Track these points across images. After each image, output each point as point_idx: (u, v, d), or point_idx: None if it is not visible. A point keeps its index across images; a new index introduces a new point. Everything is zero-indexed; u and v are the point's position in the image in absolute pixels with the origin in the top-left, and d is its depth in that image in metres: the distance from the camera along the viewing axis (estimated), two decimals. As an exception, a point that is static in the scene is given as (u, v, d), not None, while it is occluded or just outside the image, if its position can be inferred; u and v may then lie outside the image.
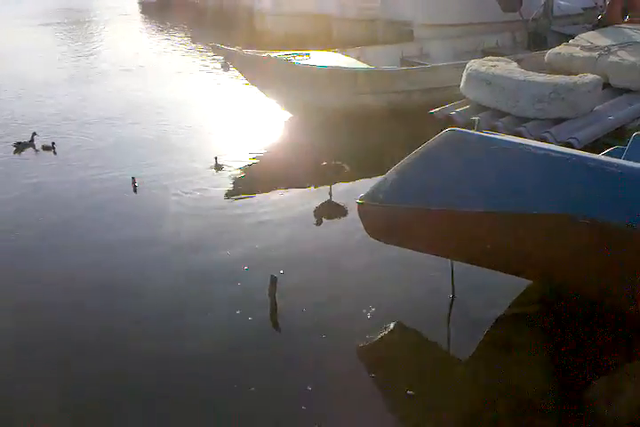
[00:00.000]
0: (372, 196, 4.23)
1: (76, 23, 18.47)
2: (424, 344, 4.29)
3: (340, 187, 6.66)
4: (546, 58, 8.75)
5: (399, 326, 4.37)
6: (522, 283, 4.62)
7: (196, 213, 6.14)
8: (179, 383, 3.84)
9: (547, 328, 4.21)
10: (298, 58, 9.25)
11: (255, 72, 9.02)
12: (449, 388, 3.77)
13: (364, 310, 4.48)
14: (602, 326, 4.14)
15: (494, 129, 6.66)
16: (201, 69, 12.83)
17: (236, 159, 7.62)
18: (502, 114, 7.19)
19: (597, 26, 11.50)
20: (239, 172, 7.30)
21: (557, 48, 8.82)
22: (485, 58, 7.92)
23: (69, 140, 8.37)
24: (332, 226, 5.92)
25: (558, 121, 6.92)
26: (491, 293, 4.62)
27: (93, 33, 17.07)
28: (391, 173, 4.11)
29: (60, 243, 5.61)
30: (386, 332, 4.28)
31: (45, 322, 4.44)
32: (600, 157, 3.54)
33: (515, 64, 7.69)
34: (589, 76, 7.10)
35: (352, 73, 8.93)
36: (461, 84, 7.79)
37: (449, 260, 4.43)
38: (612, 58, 8.09)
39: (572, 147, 6.12)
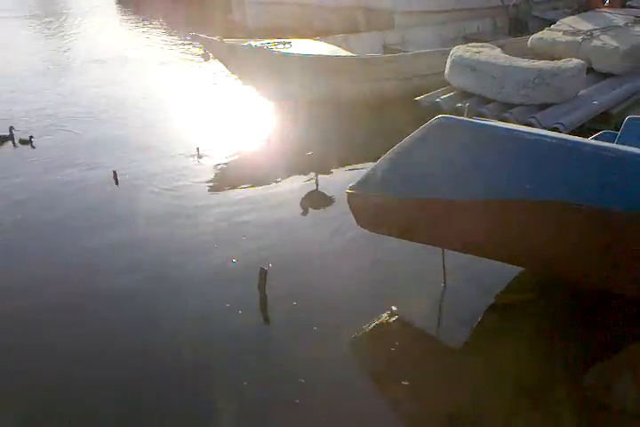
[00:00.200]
0: (361, 185, 4.17)
1: (50, 15, 18.09)
2: (417, 334, 4.25)
3: (326, 176, 6.58)
4: (529, 43, 8.73)
5: (391, 316, 4.32)
6: (514, 270, 4.59)
7: (179, 206, 6.01)
8: (165, 380, 3.76)
9: (541, 316, 4.19)
10: (279, 46, 9.10)
11: (236, 61, 8.86)
12: (444, 378, 3.74)
13: (355, 301, 4.43)
14: (598, 312, 4.12)
15: (480, 116, 6.63)
16: (180, 59, 12.62)
17: (219, 150, 7.49)
18: (487, 100, 7.16)
19: (578, 10, 11.52)
20: (223, 163, 7.17)
21: (540, 33, 8.80)
22: (469, 44, 7.88)
23: (48, 133, 8.17)
24: (319, 216, 5.84)
25: (543, 106, 6.91)
26: (483, 281, 4.58)
27: (69, 25, 16.70)
28: (381, 161, 4.04)
29: (47, 239, 5.50)
30: (378, 322, 4.23)
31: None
32: (595, 141, 3.51)
33: (499, 50, 7.65)
34: (573, 61, 7.09)
35: (337, 61, 8.82)
36: (446, 71, 7.74)
37: (440, 248, 4.39)
38: (595, 42, 8.09)
39: (559, 132, 6.10)
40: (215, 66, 10.81)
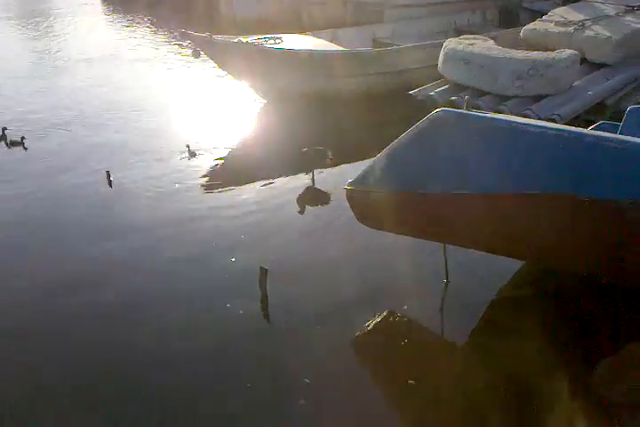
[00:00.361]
0: (360, 181, 4.11)
1: (36, 16, 17.87)
2: (420, 331, 4.22)
3: (322, 173, 6.51)
4: (521, 34, 8.67)
5: (394, 313, 4.28)
6: (515, 265, 4.56)
7: (173, 207, 5.93)
8: (166, 380, 3.70)
9: (543, 310, 4.14)
10: (270, 42, 9.02)
11: (227, 58, 8.77)
12: (449, 375, 3.69)
13: (357, 299, 4.38)
14: (601, 307, 4.09)
15: (475, 108, 6.58)
16: (170, 57, 12.48)
17: (212, 148, 7.39)
18: (482, 93, 7.11)
19: (568, 1, 11.48)
20: (216, 161, 7.10)
21: (532, 24, 8.74)
22: (462, 36, 7.83)
23: (40, 134, 8.04)
24: (317, 213, 5.79)
25: (538, 98, 6.87)
26: (485, 276, 4.55)
27: (58, 25, 16.48)
28: (380, 156, 3.99)
29: (45, 237, 5.43)
30: (380, 319, 4.19)
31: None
32: (598, 132, 3.46)
33: (492, 42, 7.61)
34: (567, 52, 7.05)
35: (327, 56, 8.75)
36: (439, 64, 7.68)
37: (442, 244, 4.34)
38: (588, 32, 8.04)
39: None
40: (205, 63, 10.71)
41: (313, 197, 6.07)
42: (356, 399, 3.54)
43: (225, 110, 8.92)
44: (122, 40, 14.41)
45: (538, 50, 7.43)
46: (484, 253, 4.28)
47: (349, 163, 6.84)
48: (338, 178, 6.26)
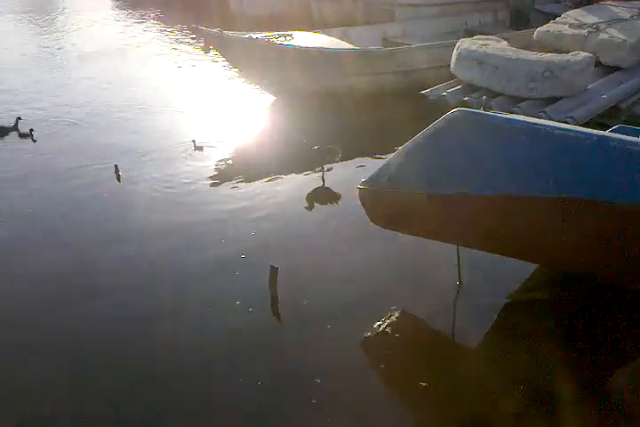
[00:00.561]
0: (374, 180, 4.06)
1: (46, 11, 17.83)
2: (432, 333, 4.16)
3: (332, 171, 6.45)
4: (534, 36, 8.62)
5: (405, 314, 4.24)
6: (529, 268, 4.51)
7: (183, 202, 5.89)
8: (178, 379, 3.66)
9: (557, 315, 4.10)
10: (280, 39, 8.97)
11: (237, 54, 8.72)
12: (462, 379, 3.64)
13: (368, 299, 4.34)
14: (617, 311, 4.04)
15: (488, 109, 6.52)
16: (180, 53, 12.45)
17: (220, 144, 7.36)
18: (494, 94, 7.05)
19: (581, 3, 11.43)
20: (224, 157, 7.05)
21: (545, 26, 8.69)
22: (475, 37, 7.78)
23: (49, 126, 8.02)
24: (328, 212, 5.72)
25: (551, 100, 6.81)
26: (498, 279, 4.50)
27: (69, 20, 16.46)
28: (395, 156, 3.94)
29: (53, 233, 5.39)
30: (392, 320, 4.14)
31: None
32: (622, 136, 3.40)
33: (505, 43, 7.55)
34: (582, 54, 6.99)
35: (338, 54, 8.70)
36: (452, 64, 7.63)
37: (455, 245, 4.29)
38: (602, 35, 7.99)
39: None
40: (215, 58, 10.67)
41: (323, 195, 6.01)
42: (367, 400, 3.50)
43: (234, 107, 8.87)
44: (131, 35, 14.37)
45: (551, 52, 7.38)
46: (497, 255, 4.24)
47: (360, 162, 6.79)
48: (348, 177, 6.22)
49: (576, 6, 11.03)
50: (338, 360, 3.81)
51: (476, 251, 4.25)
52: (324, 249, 4.97)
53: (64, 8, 18.24)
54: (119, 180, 6.35)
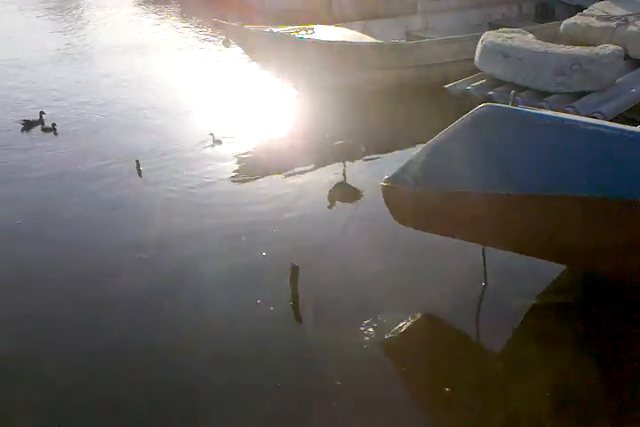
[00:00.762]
0: (398, 178, 3.96)
1: (65, 9, 17.90)
2: (455, 335, 4.06)
3: (354, 167, 6.34)
4: (561, 28, 8.40)
5: (428, 315, 4.15)
6: (557, 269, 4.37)
7: (203, 198, 5.84)
8: (198, 377, 3.61)
9: (586, 318, 3.97)
10: (301, 33, 8.86)
11: (258, 48, 8.62)
12: (487, 384, 3.54)
13: (391, 299, 4.24)
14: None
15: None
16: (201, 46, 12.40)
17: (241, 138, 7.30)
18: (520, 88, 6.87)
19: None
20: (245, 152, 6.98)
21: (572, 18, 8.46)
22: (500, 29, 7.59)
23: (71, 121, 8.02)
24: (349, 209, 5.62)
25: (579, 95, 6.63)
26: (525, 279, 4.37)
27: (92, 16, 16.53)
28: (420, 153, 3.83)
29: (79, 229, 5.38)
30: (415, 321, 4.05)
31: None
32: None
33: (531, 36, 7.36)
34: (611, 47, 6.79)
35: (361, 47, 8.57)
36: (476, 58, 7.46)
37: (480, 245, 4.17)
38: (631, 28, 7.75)
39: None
40: (236, 52, 10.58)
41: (345, 192, 5.92)
42: (388, 405, 3.41)
43: (255, 101, 8.78)
44: (152, 31, 14.34)
45: (577, 45, 7.18)
46: (523, 255, 4.11)
47: (382, 157, 6.68)
48: (370, 173, 6.13)
49: (604, -2, 10.77)
50: (359, 362, 3.73)
51: (502, 251, 4.12)
52: (345, 248, 4.88)
53: (87, 5, 18.27)
54: (140, 175, 6.31)
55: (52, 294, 4.42)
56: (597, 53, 6.59)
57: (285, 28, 8.88)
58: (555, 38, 8.32)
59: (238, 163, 6.67)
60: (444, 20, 11.46)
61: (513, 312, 4.10)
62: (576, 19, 8.41)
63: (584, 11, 8.84)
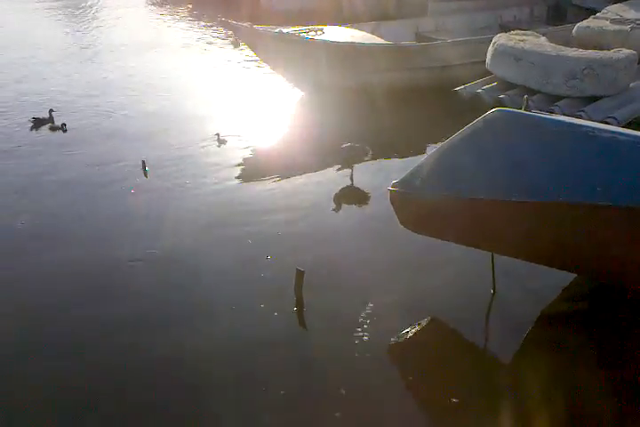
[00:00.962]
0: (407, 183, 3.88)
1: (76, 7, 17.94)
2: (463, 343, 3.97)
3: (361, 171, 6.25)
4: (574, 32, 8.30)
5: (436, 323, 4.06)
6: (567, 278, 4.27)
7: (208, 201, 5.77)
8: (196, 385, 3.53)
9: (598, 327, 3.88)
10: (311, 33, 8.80)
11: (267, 48, 8.57)
12: (495, 395, 3.45)
13: (397, 305, 4.15)
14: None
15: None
16: (209, 46, 12.37)
17: (247, 140, 7.24)
18: (532, 91, 6.77)
19: (621, -1, 11.03)
20: (250, 153, 6.91)
21: (586, 21, 8.36)
22: (512, 32, 7.50)
23: (79, 119, 8.00)
24: (356, 214, 5.55)
25: (592, 99, 6.53)
26: (535, 288, 4.27)
27: (99, 17, 16.60)
28: (429, 158, 3.76)
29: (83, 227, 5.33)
30: (421, 329, 3.96)
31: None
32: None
33: (544, 38, 7.27)
34: (625, 51, 6.69)
35: (370, 49, 8.49)
36: (487, 60, 7.38)
37: (490, 253, 4.08)
38: (645, 31, 7.65)
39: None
40: (244, 52, 10.55)
41: (351, 195, 5.83)
42: (394, 416, 3.33)
43: (262, 101, 8.73)
44: (162, 31, 14.36)
45: (590, 48, 7.08)
46: (532, 263, 4.02)
47: (389, 161, 6.60)
48: (377, 176, 6.06)
49: (617, 1, 10.65)
50: (364, 370, 3.65)
51: (511, 258, 4.03)
52: (351, 252, 4.80)
53: (101, 6, 18.32)
54: (146, 175, 6.27)
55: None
56: (611, 57, 6.49)
57: (294, 29, 8.82)
58: (567, 41, 8.22)
59: (243, 164, 6.60)
60: (454, 21, 11.38)
61: (522, 321, 4.01)
62: (589, 22, 8.32)
63: (597, 14, 8.75)
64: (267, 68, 9.26)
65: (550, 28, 10.40)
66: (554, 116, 3.60)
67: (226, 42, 12.47)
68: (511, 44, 6.99)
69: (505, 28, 10.40)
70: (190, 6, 17.44)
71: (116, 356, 3.77)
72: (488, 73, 7.52)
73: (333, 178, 6.18)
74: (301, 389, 3.53)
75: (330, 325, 4.02)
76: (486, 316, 4.15)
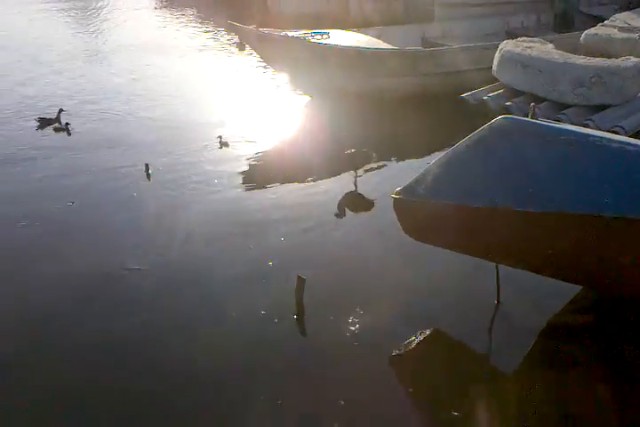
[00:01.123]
0: (411, 190, 3.81)
1: (82, 9, 18.00)
2: (466, 355, 3.89)
3: (365, 177, 6.20)
4: (581, 39, 8.25)
5: (439, 333, 3.99)
6: (572, 289, 4.20)
7: (210, 205, 5.74)
8: (195, 394, 3.47)
9: (603, 340, 3.81)
10: (317, 37, 8.77)
11: (272, 52, 8.54)
12: (497, 410, 3.38)
13: (399, 315, 4.09)
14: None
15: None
16: (215, 49, 12.36)
17: (251, 144, 7.20)
18: (539, 99, 6.71)
19: (629, 6, 10.98)
20: (254, 158, 6.87)
21: (594, 29, 8.31)
22: (519, 39, 7.45)
23: (83, 121, 7.98)
24: (359, 221, 5.49)
25: (599, 108, 6.47)
26: (539, 299, 4.19)
27: (106, 19, 16.68)
28: (434, 165, 3.70)
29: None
30: (424, 340, 3.88)
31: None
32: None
33: (551, 45, 7.21)
34: (633, 60, 6.62)
35: (376, 54, 8.45)
36: (494, 67, 7.32)
37: (494, 263, 4.02)
38: (654, 40, 7.59)
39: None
40: (250, 56, 10.52)
41: (355, 202, 5.78)
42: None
43: (267, 106, 8.70)
44: (168, 34, 14.39)
45: (597, 56, 7.03)
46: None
47: (394, 167, 6.55)
48: (381, 183, 6.00)
49: (623, 9, 10.60)
50: (364, 381, 3.58)
51: (516, 269, 3.97)
52: (354, 260, 4.73)
53: (111, 9, 18.36)
54: (149, 178, 6.23)
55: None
56: (619, 66, 6.42)
57: (300, 33, 8.79)
58: (574, 49, 8.16)
59: (246, 170, 6.56)
60: (461, 27, 11.31)
61: (526, 332, 3.94)
62: (597, 29, 8.27)
63: (605, 21, 8.70)
64: (272, 71, 9.22)
65: (557, 35, 10.34)
66: (561, 125, 3.54)
67: (232, 44, 12.46)
68: (518, 50, 6.94)
69: (512, 35, 10.34)
70: (194, 9, 17.47)
71: (110, 364, 3.72)
72: (494, 80, 7.47)
73: (337, 184, 6.12)
74: (298, 398, 3.46)
75: (331, 333, 3.96)
76: (490, 327, 4.07)
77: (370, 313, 4.11)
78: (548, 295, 4.19)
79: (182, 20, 16.30)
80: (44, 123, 7.67)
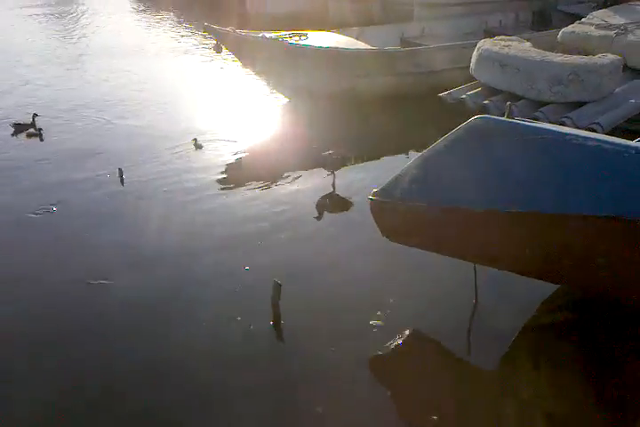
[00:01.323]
0: (387, 192, 3.77)
1: (63, 14, 17.82)
2: (445, 356, 3.85)
3: (343, 178, 6.14)
4: (559, 37, 8.25)
5: (415, 335, 3.94)
6: (550, 288, 4.18)
7: (185, 208, 5.63)
8: (169, 401, 3.39)
9: (581, 339, 3.78)
10: (294, 38, 8.70)
11: (249, 54, 8.45)
12: (477, 412, 3.33)
13: (377, 317, 4.03)
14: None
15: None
16: (193, 51, 12.26)
17: (227, 146, 7.11)
18: (516, 97, 6.70)
19: (606, 4, 11.03)
20: (232, 160, 6.78)
21: (571, 27, 8.31)
22: (497, 37, 7.43)
23: (57, 126, 7.84)
24: (337, 223, 5.40)
25: (576, 105, 6.46)
26: (517, 299, 4.16)
27: (84, 21, 16.52)
28: (410, 166, 3.65)
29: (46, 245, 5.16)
30: (402, 342, 3.84)
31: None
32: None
33: (529, 44, 7.21)
34: (610, 57, 6.63)
35: (354, 54, 8.40)
36: (472, 66, 7.30)
37: (472, 263, 3.97)
38: (630, 37, 7.60)
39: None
40: (227, 58, 10.43)
41: (333, 203, 5.72)
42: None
43: (244, 108, 8.61)
44: (147, 36, 14.29)
45: (574, 54, 7.03)
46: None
47: (372, 168, 6.49)
48: (360, 184, 5.94)
49: (600, 7, 10.65)
50: (342, 387, 3.52)
51: (494, 269, 3.93)
52: (332, 263, 4.66)
53: (91, 12, 18.19)
54: (122, 183, 6.13)
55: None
56: (596, 63, 6.43)
57: (278, 34, 8.72)
58: (552, 47, 8.17)
59: (221, 172, 6.45)
60: (440, 26, 11.32)
61: (505, 331, 3.90)
62: (574, 27, 8.27)
63: (582, 19, 8.71)
64: (249, 73, 9.14)
65: (535, 33, 10.38)
66: (537, 124, 3.50)
67: (209, 48, 12.35)
68: (496, 49, 6.92)
69: (491, 34, 10.37)
70: (174, 12, 17.36)
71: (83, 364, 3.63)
72: (473, 78, 7.45)
73: (315, 185, 6.05)
74: (277, 405, 3.40)
75: (307, 339, 3.89)
76: (469, 327, 4.03)
77: (348, 317, 4.05)
78: (526, 293, 4.16)
79: (162, 23, 16.18)
80: (18, 128, 7.54)
